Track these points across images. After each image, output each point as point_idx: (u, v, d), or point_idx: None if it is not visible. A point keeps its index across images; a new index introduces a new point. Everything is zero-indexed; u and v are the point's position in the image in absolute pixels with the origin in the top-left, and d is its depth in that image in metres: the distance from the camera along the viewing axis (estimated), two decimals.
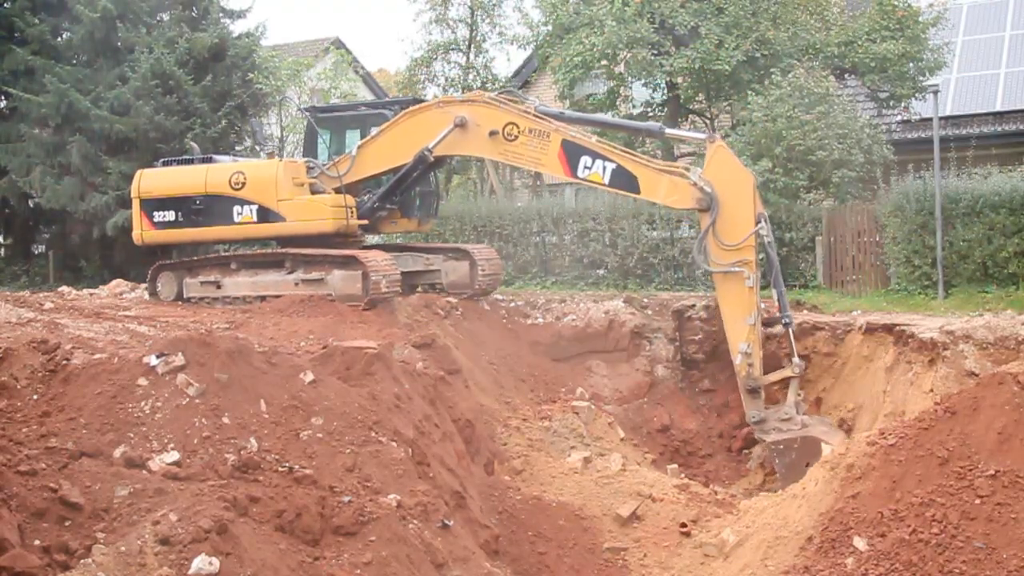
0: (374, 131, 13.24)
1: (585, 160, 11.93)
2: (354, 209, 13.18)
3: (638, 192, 12.02)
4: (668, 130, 13.39)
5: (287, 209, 12.96)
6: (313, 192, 13.21)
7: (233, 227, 13.34)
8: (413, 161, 12.82)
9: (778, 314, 11.87)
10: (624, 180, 11.89)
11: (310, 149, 14.19)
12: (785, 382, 12.00)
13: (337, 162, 13.34)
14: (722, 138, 12.46)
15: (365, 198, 13.47)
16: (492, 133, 12.33)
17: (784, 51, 18.49)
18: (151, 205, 13.72)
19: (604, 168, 11.87)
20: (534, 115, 12.27)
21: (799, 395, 11.77)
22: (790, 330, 11.79)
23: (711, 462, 13.03)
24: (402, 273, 12.92)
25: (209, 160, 14.21)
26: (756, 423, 11.62)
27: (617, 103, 20.07)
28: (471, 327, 13.07)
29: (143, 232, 13.86)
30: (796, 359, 11.71)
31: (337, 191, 13.11)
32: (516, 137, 12.23)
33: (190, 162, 14.20)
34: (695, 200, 11.52)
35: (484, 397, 11.40)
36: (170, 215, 13.59)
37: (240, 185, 13.15)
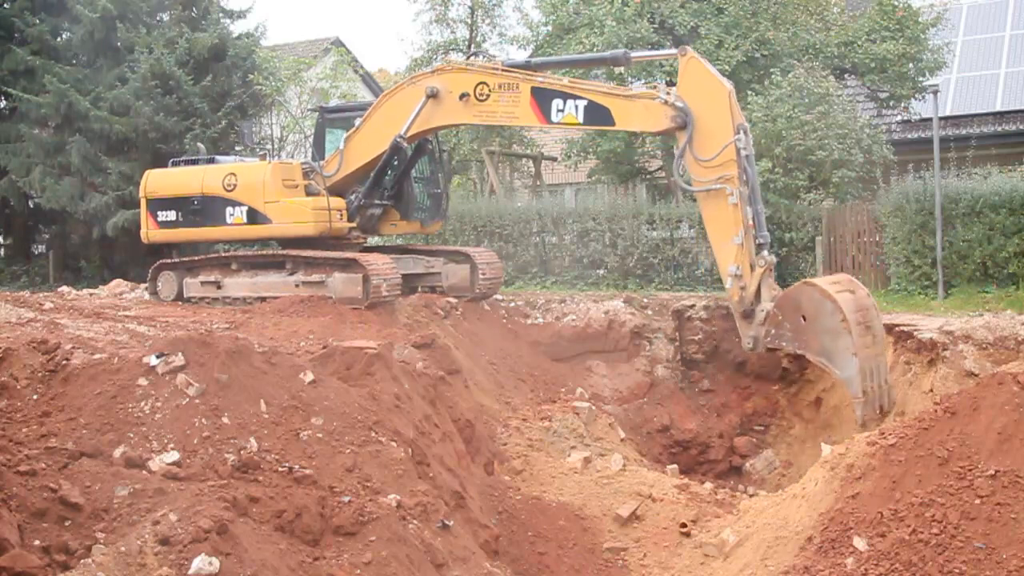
0: (357, 122, 13.11)
1: (557, 103, 11.62)
2: (343, 212, 13.13)
3: (613, 124, 11.68)
4: (634, 54, 13.07)
5: (273, 211, 13.01)
6: (308, 194, 13.20)
7: (226, 228, 13.49)
8: (389, 149, 12.65)
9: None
10: (598, 115, 11.52)
11: (319, 149, 14.19)
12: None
13: (328, 160, 13.31)
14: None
15: (352, 197, 13.34)
16: (463, 96, 12.08)
17: (784, 51, 18.52)
18: (156, 205, 13.97)
19: (576, 107, 11.52)
20: (502, 70, 12.06)
21: (775, 290, 10.83)
22: (765, 250, 10.91)
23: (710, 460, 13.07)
24: (402, 276, 12.90)
25: (212, 161, 14.34)
26: (753, 347, 10.78)
27: None
28: (471, 327, 13.07)
29: (148, 231, 14.13)
30: (765, 252, 10.74)
31: (334, 192, 13.10)
32: (488, 96, 11.99)
33: (196, 163, 14.35)
34: (670, 119, 10.95)
35: (484, 397, 11.40)
36: (171, 215, 13.83)
37: (232, 187, 13.26)
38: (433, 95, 12.25)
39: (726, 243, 10.81)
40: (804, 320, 10.17)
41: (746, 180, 10.74)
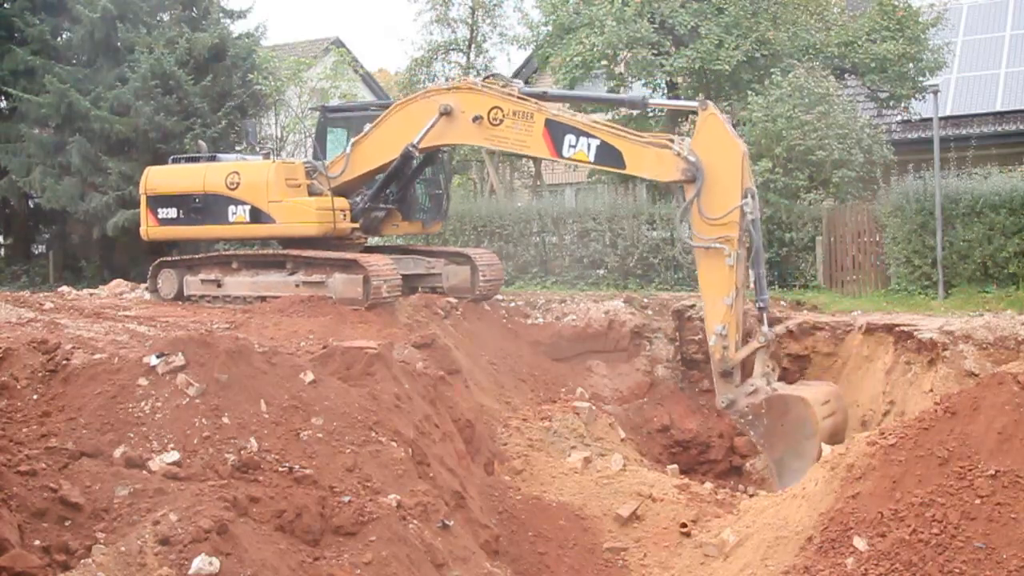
0: (367, 127, 13.11)
1: (569, 138, 11.58)
2: (347, 212, 13.14)
3: (624, 167, 11.60)
4: (651, 100, 13.04)
5: (277, 211, 13.00)
6: (311, 194, 13.20)
7: (228, 226, 13.48)
8: (400, 158, 12.63)
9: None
10: (609, 156, 11.48)
11: (321, 148, 14.19)
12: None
13: (333, 162, 13.32)
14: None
15: (358, 199, 13.36)
16: (476, 119, 12.01)
17: (784, 51, 18.50)
18: (156, 202, 13.95)
19: (589, 145, 11.49)
20: (518, 97, 11.99)
21: (768, 367, 11.10)
22: (764, 314, 11.10)
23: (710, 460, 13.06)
24: (403, 276, 12.90)
25: (213, 159, 14.32)
26: (727, 407, 11.01)
27: None
28: (471, 327, 13.06)
29: (148, 228, 14.10)
30: (765, 328, 10.97)
31: (337, 193, 13.10)
32: (501, 121, 11.93)
33: (197, 160, 14.34)
34: (680, 171, 10.93)
35: (484, 397, 11.40)
36: (172, 212, 13.80)
37: (235, 185, 13.24)
38: (446, 113, 12.20)
39: (716, 302, 10.93)
40: (782, 427, 10.63)
41: (745, 242, 10.84)
